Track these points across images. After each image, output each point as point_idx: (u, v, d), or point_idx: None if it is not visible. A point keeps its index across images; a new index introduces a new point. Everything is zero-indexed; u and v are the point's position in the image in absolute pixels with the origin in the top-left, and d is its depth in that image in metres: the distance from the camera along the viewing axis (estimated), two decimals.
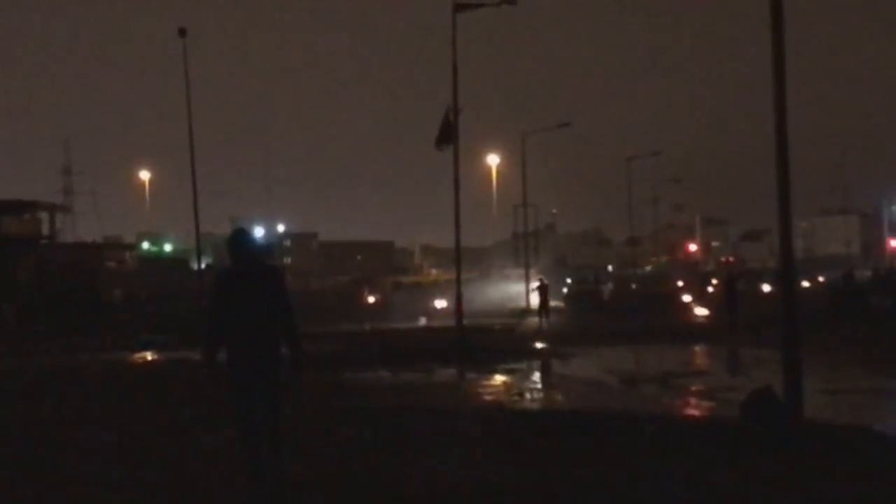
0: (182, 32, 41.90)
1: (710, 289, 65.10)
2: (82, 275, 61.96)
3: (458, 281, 32.07)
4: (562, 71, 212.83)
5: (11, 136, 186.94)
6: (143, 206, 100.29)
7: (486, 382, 22.90)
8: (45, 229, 69.43)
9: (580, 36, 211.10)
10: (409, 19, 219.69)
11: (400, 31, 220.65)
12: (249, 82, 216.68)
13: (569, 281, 65.71)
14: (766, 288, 68.86)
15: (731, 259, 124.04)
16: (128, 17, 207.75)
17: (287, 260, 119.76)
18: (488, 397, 20.01)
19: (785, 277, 13.41)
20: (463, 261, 32.64)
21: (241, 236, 9.34)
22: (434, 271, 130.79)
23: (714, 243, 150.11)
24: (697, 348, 32.60)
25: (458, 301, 31.77)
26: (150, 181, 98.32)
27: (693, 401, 19.55)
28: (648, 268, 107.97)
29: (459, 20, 31.79)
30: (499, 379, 23.64)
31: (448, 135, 31.33)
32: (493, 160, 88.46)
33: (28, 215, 67.56)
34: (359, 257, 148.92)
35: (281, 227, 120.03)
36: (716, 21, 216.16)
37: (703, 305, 50.73)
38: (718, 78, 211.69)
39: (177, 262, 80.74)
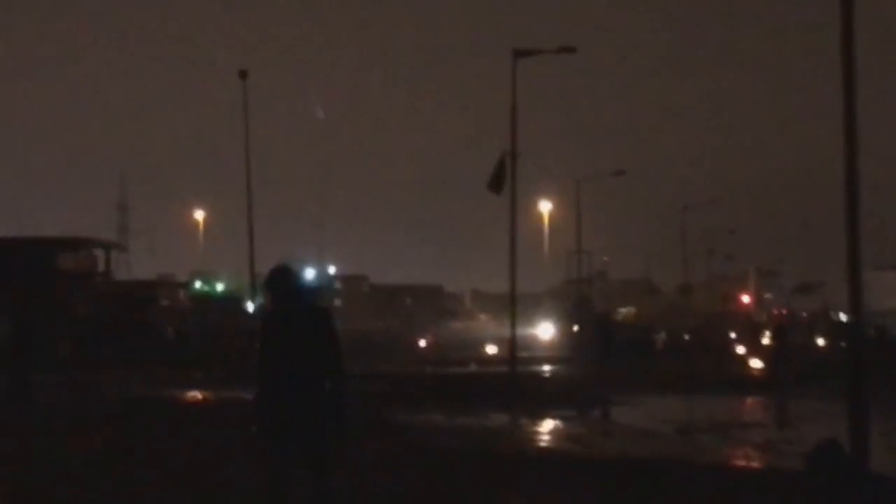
0: (243, 75, 42.42)
1: (765, 341, 64.53)
2: (136, 311, 62.55)
3: (514, 327, 32.03)
4: (619, 117, 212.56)
5: (68, 173, 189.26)
6: (197, 245, 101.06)
7: (538, 428, 22.80)
8: (100, 266, 70.32)
9: (640, 83, 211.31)
10: (466, 64, 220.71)
11: (457, 76, 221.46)
12: (306, 125, 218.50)
13: (576, 328, 64.78)
14: (821, 342, 68.17)
15: (783, 312, 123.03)
16: (189, 57, 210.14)
17: (337, 302, 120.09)
18: (542, 443, 19.92)
19: (852, 329, 13.28)
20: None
21: (280, 274, 8.58)
22: (483, 317, 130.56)
23: (767, 295, 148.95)
24: (752, 399, 32.34)
25: (512, 347, 31.73)
26: (205, 220, 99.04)
27: (753, 451, 19.36)
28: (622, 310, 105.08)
29: (518, 66, 31.94)
30: (552, 425, 23.54)
31: (502, 179, 31.35)
32: (545, 206, 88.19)
33: (84, 252, 68.40)
34: (408, 301, 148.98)
35: (332, 269, 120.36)
36: (781, 71, 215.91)
37: (757, 357, 50.27)
38: (780, 128, 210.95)
39: (230, 302, 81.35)
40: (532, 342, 69.12)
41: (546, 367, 46.78)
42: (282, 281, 8.55)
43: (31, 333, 27.20)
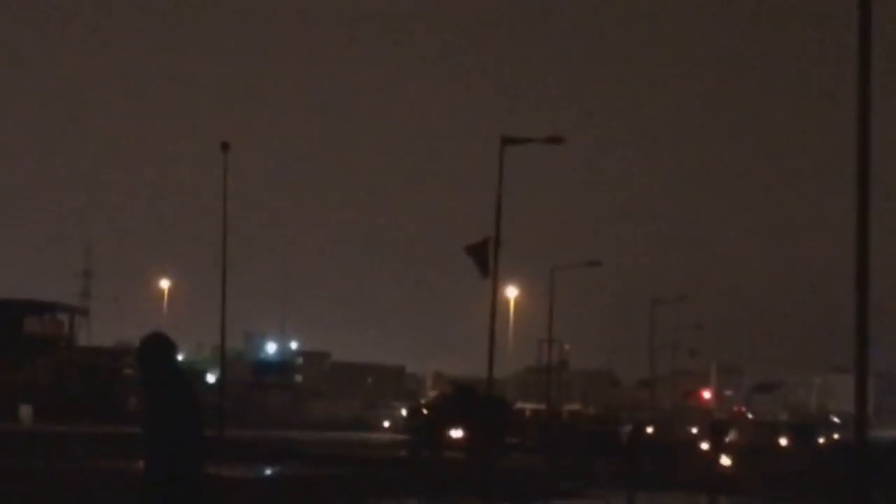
0: (225, 147, 42.29)
1: (729, 438, 64.47)
2: (100, 380, 61.88)
3: (487, 414, 31.78)
4: (598, 210, 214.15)
5: (32, 237, 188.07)
6: (160, 314, 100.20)
7: None
8: (65, 331, 69.71)
9: (623, 178, 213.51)
10: (443, 147, 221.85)
11: (433, 161, 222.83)
12: (276, 199, 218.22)
13: (404, 411, 59.90)
14: (784, 441, 68.23)
15: (742, 409, 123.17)
16: (167, 128, 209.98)
17: (298, 378, 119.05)
18: None
19: (857, 435, 13.16)
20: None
21: (153, 345, 7.41)
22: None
23: (727, 392, 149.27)
24: (728, 499, 32.05)
25: (488, 433, 31.44)
26: (169, 290, 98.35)
27: None
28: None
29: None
30: None
31: (487, 263, 31.26)
32: (511, 293, 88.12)
33: (48, 316, 67.82)
34: (369, 380, 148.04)
35: (294, 345, 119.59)
36: (757, 167, 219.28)
37: (722, 454, 50.11)
38: (757, 229, 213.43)
39: (193, 374, 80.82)
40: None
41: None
42: (156, 355, 7.35)
43: None
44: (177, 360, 7.41)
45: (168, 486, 7.12)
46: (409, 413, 53.81)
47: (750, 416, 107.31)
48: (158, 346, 7.37)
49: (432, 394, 69.34)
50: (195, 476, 7.22)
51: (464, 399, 44.71)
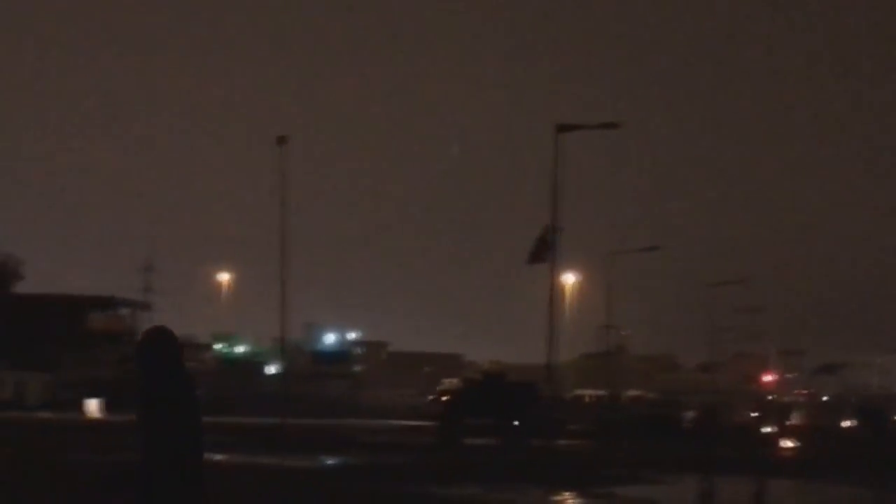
0: (281, 141, 42.50)
1: (791, 421, 64.14)
2: None
3: (546, 399, 31.80)
4: (657, 193, 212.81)
5: (95, 232, 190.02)
6: (220, 307, 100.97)
7: None
8: (127, 325, 70.50)
9: (680, 160, 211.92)
10: (500, 134, 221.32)
11: (494, 148, 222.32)
12: (335, 191, 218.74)
13: (430, 397, 59.86)
14: (846, 423, 67.76)
15: (807, 392, 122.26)
16: (225, 121, 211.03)
17: (357, 367, 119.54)
18: None
19: None
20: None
21: (155, 341, 7.34)
22: None
23: (789, 375, 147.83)
24: (794, 482, 31.66)
25: (515, 418, 31.45)
26: (229, 283, 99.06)
27: None
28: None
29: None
30: None
31: (543, 253, 31.32)
32: (568, 279, 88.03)
33: (112, 311, 68.67)
34: (427, 369, 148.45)
35: (353, 335, 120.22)
36: (812, 150, 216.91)
37: (785, 438, 49.90)
38: (817, 210, 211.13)
39: (253, 365, 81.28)
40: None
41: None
42: (155, 348, 7.25)
43: None
44: (178, 354, 7.28)
45: (166, 480, 7.01)
46: (431, 400, 54.03)
47: (771, 397, 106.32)
48: (157, 340, 7.30)
49: (447, 381, 69.25)
50: (193, 473, 7.12)
51: (488, 386, 44.16)
